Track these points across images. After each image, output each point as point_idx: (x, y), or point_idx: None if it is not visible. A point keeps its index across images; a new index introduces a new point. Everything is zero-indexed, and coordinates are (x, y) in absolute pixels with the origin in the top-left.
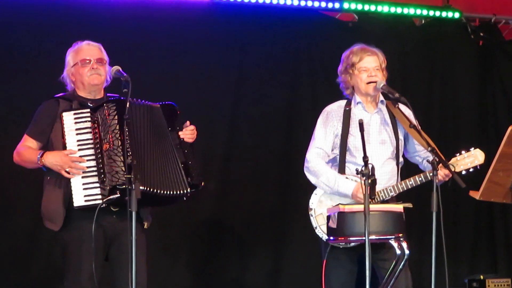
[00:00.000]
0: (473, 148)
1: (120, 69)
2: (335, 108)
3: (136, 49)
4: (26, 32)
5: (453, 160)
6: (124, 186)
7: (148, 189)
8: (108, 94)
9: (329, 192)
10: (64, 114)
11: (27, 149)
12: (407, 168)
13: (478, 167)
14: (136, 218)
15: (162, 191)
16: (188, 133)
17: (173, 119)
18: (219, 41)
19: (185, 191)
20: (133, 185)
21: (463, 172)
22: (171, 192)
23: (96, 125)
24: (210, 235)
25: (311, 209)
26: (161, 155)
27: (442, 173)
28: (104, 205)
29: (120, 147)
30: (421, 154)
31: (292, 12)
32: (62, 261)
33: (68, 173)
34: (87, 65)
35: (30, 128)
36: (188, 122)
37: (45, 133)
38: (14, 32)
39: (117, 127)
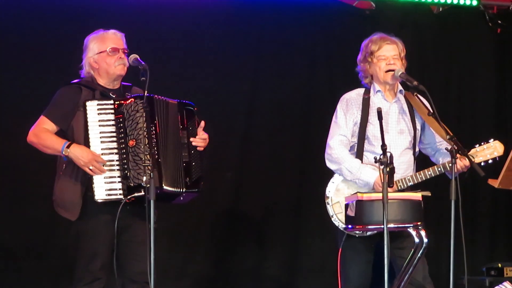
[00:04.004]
0: (492, 140)
1: (138, 58)
2: (354, 96)
3: (152, 35)
4: (43, 19)
5: (472, 151)
6: (148, 185)
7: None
8: (122, 83)
9: (350, 178)
10: (88, 103)
11: (49, 134)
12: (420, 159)
13: (497, 159)
14: (144, 211)
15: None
16: (199, 141)
17: (187, 118)
18: (236, 30)
19: (179, 190)
20: (151, 174)
21: (482, 164)
22: (166, 188)
23: (121, 119)
24: (228, 224)
25: (328, 197)
26: (166, 151)
27: (462, 164)
28: (127, 201)
29: (147, 145)
30: (434, 146)
31: (310, 0)
32: (74, 250)
33: (91, 170)
34: (115, 54)
35: (49, 111)
36: (203, 123)
37: (67, 118)
38: (32, 19)
39: (145, 125)
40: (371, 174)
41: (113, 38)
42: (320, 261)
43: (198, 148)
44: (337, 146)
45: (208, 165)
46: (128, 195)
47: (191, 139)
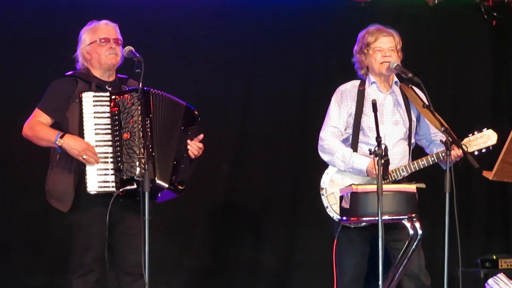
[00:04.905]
0: (485, 129)
1: (133, 50)
2: (349, 88)
3: (148, 30)
4: (38, 13)
5: (465, 140)
6: (141, 179)
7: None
8: (118, 75)
9: (343, 168)
10: (84, 95)
11: (43, 127)
12: (419, 150)
13: (491, 148)
14: (137, 205)
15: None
16: (195, 147)
17: (189, 123)
18: (232, 23)
19: (162, 183)
20: (146, 166)
21: (476, 153)
22: (158, 182)
23: (116, 112)
24: (224, 216)
25: (323, 188)
26: (160, 144)
27: (454, 153)
28: (120, 193)
29: (141, 138)
30: (428, 137)
31: None
32: (68, 242)
33: (85, 160)
34: (106, 44)
35: (43, 103)
36: (201, 136)
37: (61, 110)
38: (27, 13)
39: (140, 118)
40: (363, 161)
41: (104, 29)
42: (316, 254)
43: (190, 153)
44: (329, 137)
45: (192, 175)
46: (120, 188)
47: (189, 141)
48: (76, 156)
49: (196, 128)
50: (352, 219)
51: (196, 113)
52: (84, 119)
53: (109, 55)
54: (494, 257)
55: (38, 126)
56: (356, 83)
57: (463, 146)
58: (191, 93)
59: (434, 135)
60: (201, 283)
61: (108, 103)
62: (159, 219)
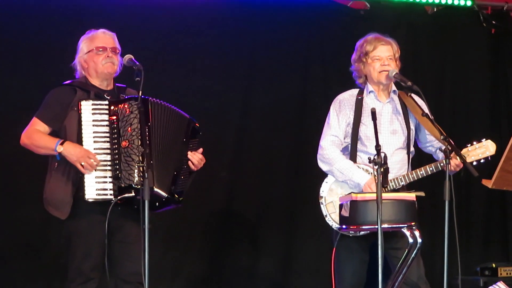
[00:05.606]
0: (484, 139)
1: (133, 58)
2: (347, 97)
3: (147, 35)
4: (38, 20)
5: (464, 150)
6: (139, 187)
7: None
8: (117, 84)
9: (342, 179)
10: (83, 103)
11: (41, 135)
12: (419, 158)
13: (489, 158)
14: (135, 212)
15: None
16: (196, 158)
17: (191, 135)
18: (231, 30)
19: (162, 193)
20: (146, 174)
21: (474, 163)
22: (157, 190)
23: (115, 119)
24: (222, 224)
25: (322, 197)
26: (159, 153)
27: (453, 163)
28: (118, 201)
29: (140, 146)
30: (434, 144)
31: (304, 0)
32: (67, 250)
33: (83, 167)
34: (102, 53)
35: (41, 112)
36: (201, 149)
37: (59, 119)
38: (26, 19)
39: (138, 126)
40: (363, 176)
41: (101, 37)
42: (314, 261)
43: (190, 164)
44: (329, 146)
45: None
46: (118, 196)
47: (189, 153)
48: (74, 163)
49: (198, 141)
50: (351, 227)
51: (198, 125)
52: (83, 127)
53: (105, 64)
54: (494, 265)
55: (36, 134)
56: (354, 92)
57: (463, 157)
58: (190, 101)
59: (439, 142)
60: None
61: (106, 112)
62: (156, 227)
